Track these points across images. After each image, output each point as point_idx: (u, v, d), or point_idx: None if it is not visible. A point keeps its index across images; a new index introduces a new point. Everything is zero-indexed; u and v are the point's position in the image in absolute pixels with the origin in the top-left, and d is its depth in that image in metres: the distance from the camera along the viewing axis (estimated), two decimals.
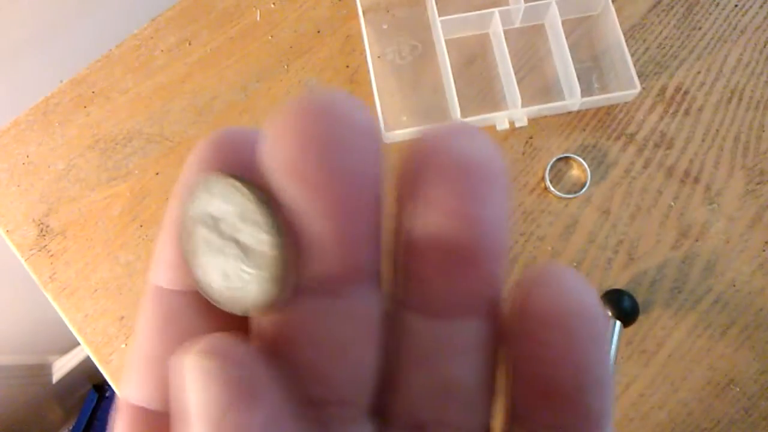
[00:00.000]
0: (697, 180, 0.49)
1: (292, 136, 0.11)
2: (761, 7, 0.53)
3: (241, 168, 0.13)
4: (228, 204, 0.13)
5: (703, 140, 0.50)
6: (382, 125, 0.49)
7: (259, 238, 0.12)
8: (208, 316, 0.14)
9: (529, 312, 0.13)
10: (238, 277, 0.13)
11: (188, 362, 0.12)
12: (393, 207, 0.13)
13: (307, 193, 0.12)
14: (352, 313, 0.13)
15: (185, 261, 0.13)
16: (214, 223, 0.13)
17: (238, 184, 0.12)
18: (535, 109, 0.50)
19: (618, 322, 0.44)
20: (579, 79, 0.49)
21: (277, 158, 0.12)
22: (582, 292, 0.13)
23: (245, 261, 0.13)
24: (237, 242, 0.13)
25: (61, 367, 1.00)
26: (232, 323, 0.14)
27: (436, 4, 0.51)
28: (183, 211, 0.13)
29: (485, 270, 0.13)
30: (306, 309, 0.13)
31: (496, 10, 0.51)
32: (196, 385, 0.12)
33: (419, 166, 0.12)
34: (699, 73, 0.52)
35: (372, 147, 0.12)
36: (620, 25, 0.50)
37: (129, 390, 0.14)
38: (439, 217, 0.12)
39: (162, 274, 0.14)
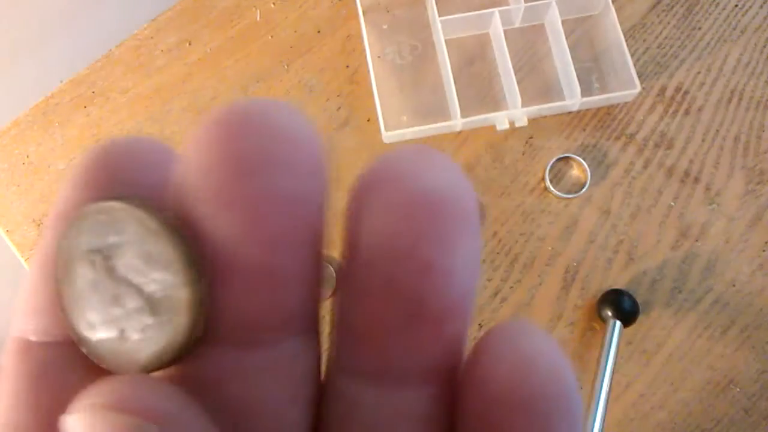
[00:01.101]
0: (697, 180, 0.49)
1: (215, 148, 0.09)
2: (761, 7, 0.53)
3: (137, 189, 0.10)
4: (120, 235, 0.10)
5: (703, 140, 0.50)
6: (382, 125, 0.49)
7: (163, 277, 0.10)
8: (90, 373, 0.11)
9: (487, 385, 0.10)
10: (133, 326, 0.10)
11: (87, 420, 0.09)
12: (340, 244, 0.11)
13: (230, 218, 0.09)
14: (277, 370, 0.10)
15: (61, 308, 0.11)
16: (101, 261, 0.10)
17: (133, 209, 0.10)
18: (535, 109, 0.50)
19: (618, 322, 0.44)
20: (579, 79, 0.49)
21: (195, 176, 0.09)
22: (552, 362, 0.10)
23: (143, 306, 0.10)
24: (132, 283, 0.10)
25: None
26: None
27: (436, 4, 0.51)
28: (61, 244, 0.11)
29: (447, 331, 0.10)
30: (219, 363, 0.10)
31: (496, 10, 0.51)
32: None
33: (374, 197, 0.10)
34: (699, 73, 0.52)
35: (314, 167, 0.10)
36: (620, 25, 0.50)
37: None
38: (397, 263, 0.10)
39: (30, 323, 0.11)
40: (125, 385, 0.09)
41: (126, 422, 0.09)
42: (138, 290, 0.10)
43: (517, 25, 0.53)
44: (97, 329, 0.10)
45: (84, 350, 0.11)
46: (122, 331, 0.10)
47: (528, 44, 0.53)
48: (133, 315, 0.10)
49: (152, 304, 0.10)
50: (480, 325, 0.47)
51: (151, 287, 0.10)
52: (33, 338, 0.11)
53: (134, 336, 0.10)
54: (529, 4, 0.51)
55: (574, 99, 0.49)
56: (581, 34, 0.53)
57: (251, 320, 0.10)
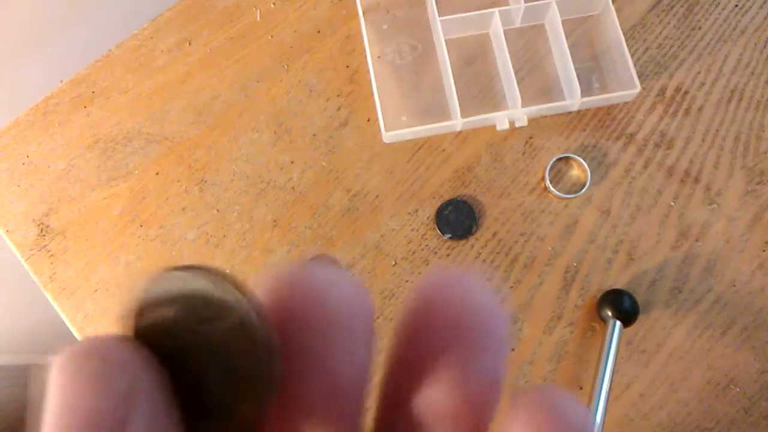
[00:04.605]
0: (697, 180, 0.49)
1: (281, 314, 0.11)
2: (761, 7, 0.53)
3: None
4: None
5: (703, 140, 0.50)
6: (382, 125, 0.49)
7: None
8: None
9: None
10: None
11: (61, 364, 0.10)
12: (387, 366, 0.13)
13: (302, 371, 0.11)
14: None
15: None
16: None
17: (255, 326, 0.11)
18: (535, 109, 0.50)
19: (618, 322, 0.44)
20: (579, 79, 0.49)
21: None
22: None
23: None
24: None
25: None
26: None
27: (436, 4, 0.51)
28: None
29: (483, 427, 0.12)
30: None
31: (496, 10, 0.51)
32: (62, 388, 0.10)
33: (427, 316, 0.12)
34: (699, 73, 0.52)
35: (368, 332, 0.12)
36: (620, 25, 0.50)
37: None
38: (446, 394, 0.12)
39: None
40: (106, 339, 0.11)
41: (96, 367, 0.10)
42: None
43: (517, 25, 0.53)
44: None
45: None
46: None
47: (528, 44, 0.53)
48: None
49: None
50: None
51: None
52: None
53: None
54: (529, 4, 0.51)
55: (574, 99, 0.49)
56: (581, 34, 0.53)
57: None
